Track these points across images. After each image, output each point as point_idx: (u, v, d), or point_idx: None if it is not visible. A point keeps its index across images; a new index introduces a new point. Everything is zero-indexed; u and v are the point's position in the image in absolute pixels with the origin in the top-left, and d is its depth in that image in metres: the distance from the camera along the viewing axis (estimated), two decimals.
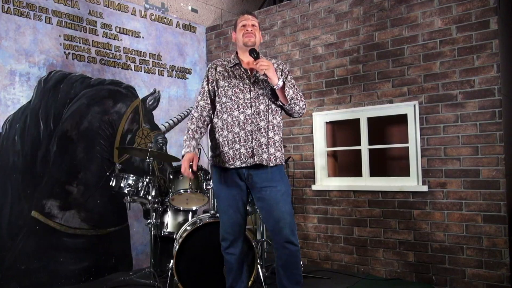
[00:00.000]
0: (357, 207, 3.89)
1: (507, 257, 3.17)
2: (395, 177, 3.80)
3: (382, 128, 4.09)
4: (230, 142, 2.49)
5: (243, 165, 2.47)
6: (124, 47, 4.22)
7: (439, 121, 3.47)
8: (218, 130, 2.55)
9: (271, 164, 2.47)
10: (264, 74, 2.39)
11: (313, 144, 4.17)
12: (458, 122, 3.38)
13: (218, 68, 2.59)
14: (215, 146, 2.58)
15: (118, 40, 4.18)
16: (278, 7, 4.46)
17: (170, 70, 4.64)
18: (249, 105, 2.48)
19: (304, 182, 4.21)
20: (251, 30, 2.54)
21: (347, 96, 3.96)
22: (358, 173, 3.95)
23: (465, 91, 3.36)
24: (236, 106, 2.49)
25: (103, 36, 4.06)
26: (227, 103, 2.51)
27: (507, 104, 3.42)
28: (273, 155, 2.48)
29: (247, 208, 3.31)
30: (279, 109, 2.57)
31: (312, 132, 4.18)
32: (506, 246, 3.18)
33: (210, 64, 2.65)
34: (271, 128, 2.49)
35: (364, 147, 3.89)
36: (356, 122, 3.96)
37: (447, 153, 3.43)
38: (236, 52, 2.64)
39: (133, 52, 4.29)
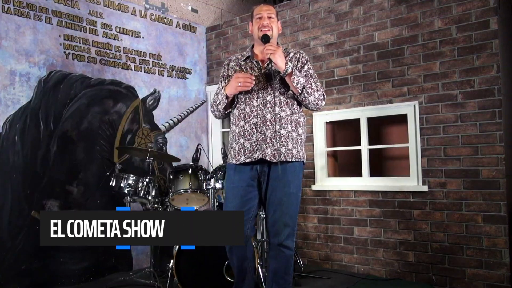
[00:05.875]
0: (357, 207, 3.89)
1: (507, 257, 3.16)
2: (395, 177, 3.80)
3: (382, 128, 4.09)
4: (236, 136, 2.43)
5: (248, 160, 2.37)
6: (124, 47, 4.22)
7: (439, 121, 3.47)
8: (231, 125, 2.50)
9: (274, 160, 2.33)
10: (270, 59, 2.30)
11: (313, 144, 4.17)
12: (458, 122, 3.38)
13: (231, 64, 2.55)
14: (229, 144, 2.52)
15: (118, 40, 4.18)
16: (278, 7, 4.46)
17: (170, 70, 4.64)
18: (255, 96, 2.39)
19: (304, 182, 4.21)
20: (267, 23, 2.43)
21: (347, 96, 3.96)
22: (358, 173, 3.95)
23: (465, 91, 3.36)
24: (243, 99, 2.42)
25: (103, 36, 4.06)
26: (238, 98, 2.45)
27: (507, 104, 3.42)
28: (278, 151, 2.33)
29: None
30: (292, 101, 2.42)
31: (312, 132, 4.18)
32: (506, 246, 3.17)
33: (226, 61, 2.61)
34: (278, 121, 2.35)
35: (364, 147, 3.89)
36: (356, 122, 3.96)
37: (447, 153, 3.43)
38: (253, 45, 2.56)
39: (133, 52, 4.29)
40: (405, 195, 3.63)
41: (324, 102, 2.45)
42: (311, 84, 2.37)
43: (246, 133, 2.39)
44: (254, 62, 2.48)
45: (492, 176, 3.24)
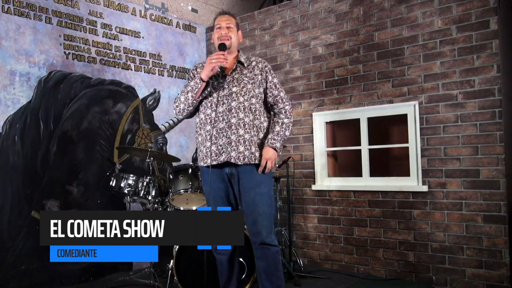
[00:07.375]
0: (357, 207, 3.89)
1: (507, 257, 3.16)
2: (395, 177, 3.80)
3: (382, 128, 4.09)
4: (203, 140, 2.53)
5: (214, 162, 2.47)
6: (124, 47, 4.22)
7: (439, 121, 3.47)
8: (197, 130, 2.59)
9: (239, 163, 2.45)
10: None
11: (313, 144, 4.17)
12: (458, 122, 3.38)
13: (198, 70, 2.62)
14: (196, 147, 2.64)
15: (118, 40, 4.18)
16: (278, 7, 4.46)
17: (170, 70, 4.64)
18: (221, 102, 2.49)
19: (304, 182, 4.21)
20: (225, 33, 2.57)
21: (347, 96, 3.96)
22: (358, 173, 3.95)
23: (465, 91, 3.36)
24: (209, 104, 2.52)
25: (103, 36, 4.06)
26: (202, 103, 2.55)
27: (507, 104, 3.42)
28: (242, 154, 2.45)
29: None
30: (254, 107, 2.51)
31: (312, 132, 4.18)
32: (506, 246, 3.18)
33: (193, 66, 2.71)
34: (242, 126, 2.46)
35: (364, 147, 3.89)
36: (356, 122, 3.96)
37: (447, 153, 3.43)
38: None
39: (133, 52, 4.30)
40: (405, 195, 3.63)
41: (292, 115, 2.62)
42: (280, 132, 2.53)
43: (213, 137, 2.49)
44: (219, 70, 2.52)
45: (492, 176, 3.24)
